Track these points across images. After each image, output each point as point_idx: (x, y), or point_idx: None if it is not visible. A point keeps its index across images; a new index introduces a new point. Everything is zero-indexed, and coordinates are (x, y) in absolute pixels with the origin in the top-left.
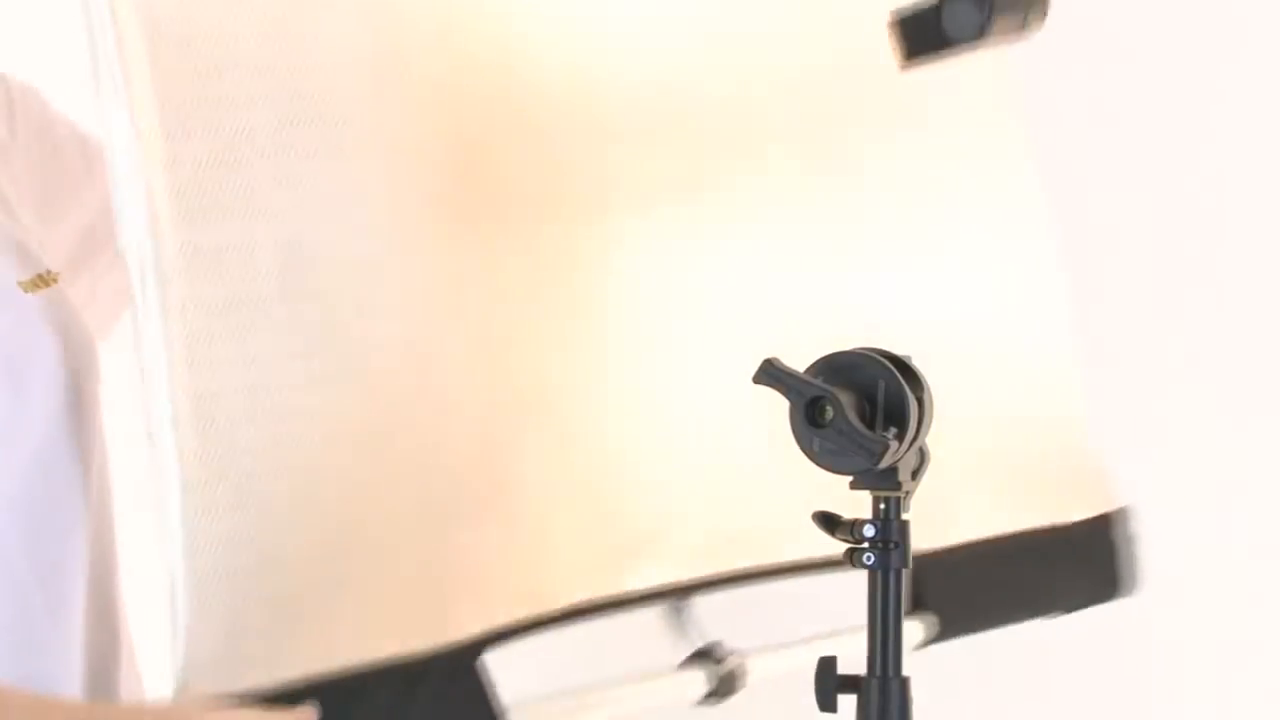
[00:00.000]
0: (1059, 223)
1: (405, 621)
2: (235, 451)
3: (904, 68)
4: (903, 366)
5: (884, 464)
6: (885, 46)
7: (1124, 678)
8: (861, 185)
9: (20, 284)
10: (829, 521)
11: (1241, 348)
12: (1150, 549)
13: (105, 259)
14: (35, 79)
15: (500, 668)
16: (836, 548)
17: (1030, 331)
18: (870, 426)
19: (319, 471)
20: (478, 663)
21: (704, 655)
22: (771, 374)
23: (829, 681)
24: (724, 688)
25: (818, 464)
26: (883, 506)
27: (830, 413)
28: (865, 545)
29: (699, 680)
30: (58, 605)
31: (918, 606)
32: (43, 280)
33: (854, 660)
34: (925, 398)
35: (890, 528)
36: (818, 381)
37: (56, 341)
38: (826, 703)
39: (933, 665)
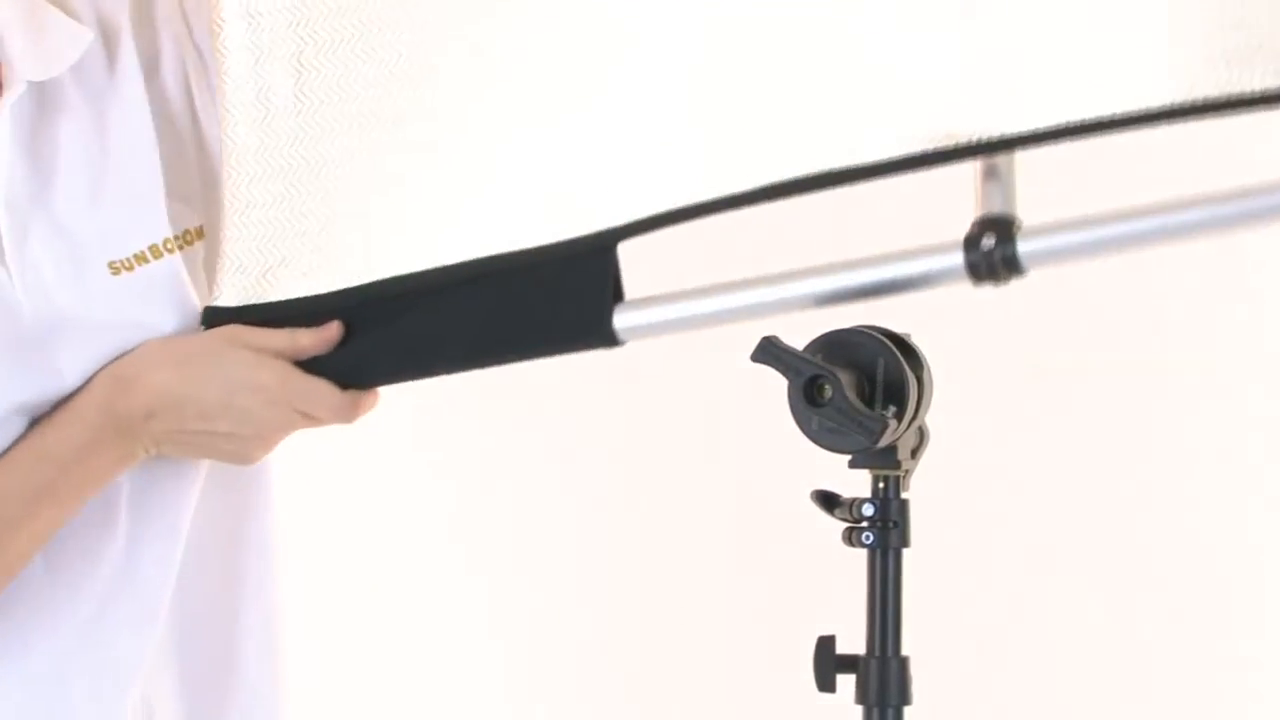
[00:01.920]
0: None
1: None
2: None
3: None
4: (902, 344)
5: (883, 443)
6: None
7: (1117, 663)
8: None
9: (112, 264)
10: (828, 500)
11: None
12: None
13: None
14: None
15: None
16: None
17: None
18: (869, 405)
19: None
20: (609, 250)
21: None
22: (770, 352)
23: (827, 661)
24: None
25: (816, 443)
26: (882, 485)
27: (829, 391)
28: (864, 524)
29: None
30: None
31: None
32: (155, 251)
33: (853, 641)
34: (924, 376)
35: (889, 507)
36: (816, 360)
37: (127, 327)
38: (825, 683)
39: (931, 646)
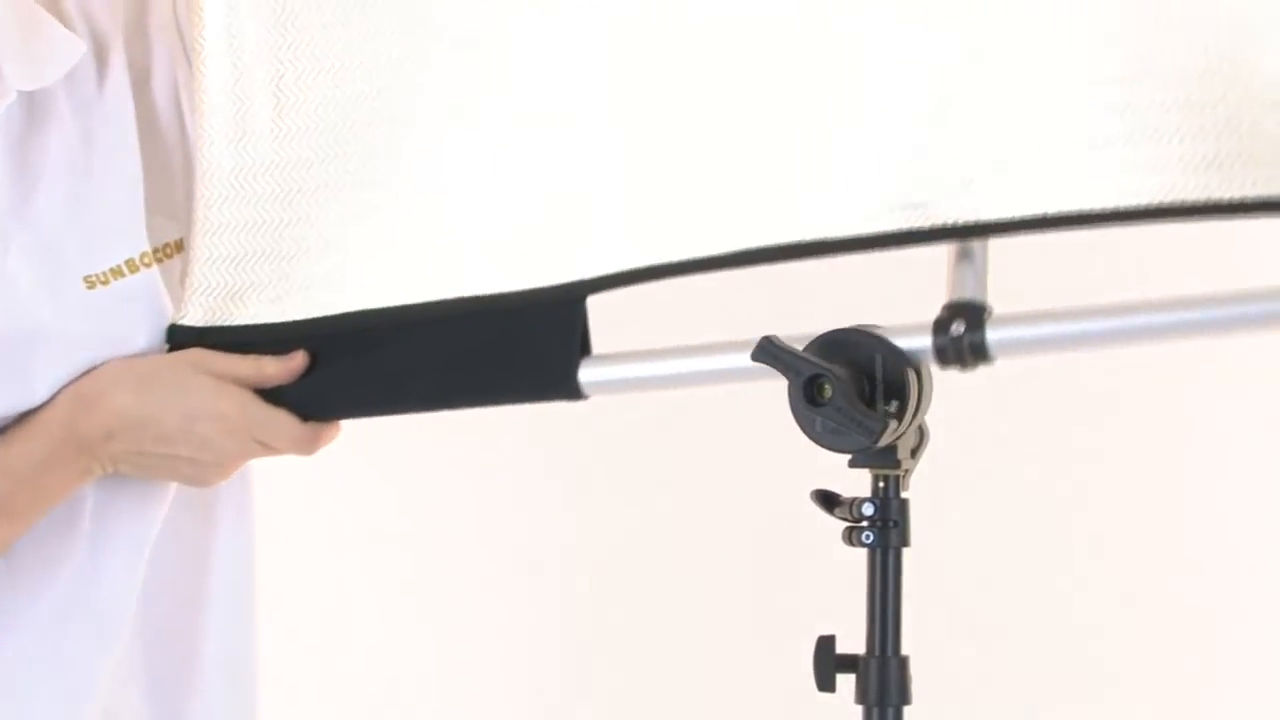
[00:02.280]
0: None
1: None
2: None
3: None
4: None
5: (883, 442)
6: None
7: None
8: None
9: (87, 278)
10: (828, 500)
11: None
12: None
13: None
14: None
15: None
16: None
17: None
18: (869, 404)
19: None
20: (577, 303)
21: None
22: (769, 352)
23: (827, 661)
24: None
25: (817, 442)
26: (882, 485)
27: (829, 391)
28: (864, 524)
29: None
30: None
31: None
32: (131, 266)
33: (852, 641)
34: (924, 374)
35: (889, 506)
36: (816, 359)
37: (99, 341)
38: (825, 682)
39: (932, 646)
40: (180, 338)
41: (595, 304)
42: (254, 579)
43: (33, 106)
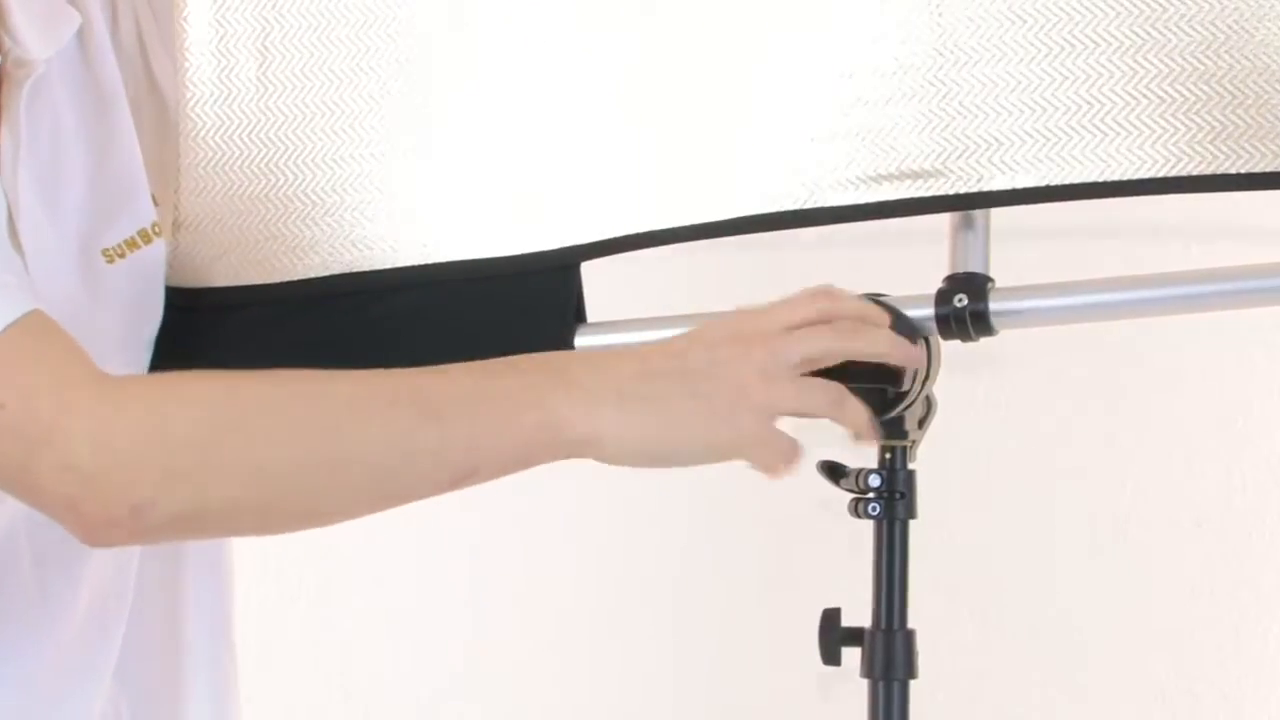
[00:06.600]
0: None
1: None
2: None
3: None
4: None
5: (890, 414)
6: None
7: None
8: None
9: (105, 252)
10: (834, 471)
11: None
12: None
13: None
14: None
15: None
16: None
17: None
18: (877, 374)
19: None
20: (571, 269)
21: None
22: None
23: (833, 634)
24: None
25: None
26: (889, 456)
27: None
28: (871, 495)
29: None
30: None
31: None
32: (144, 236)
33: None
34: (932, 345)
35: (896, 478)
36: None
37: (123, 316)
38: (830, 656)
39: (938, 619)
40: (175, 300)
41: (590, 271)
42: (232, 580)
43: (35, 80)
